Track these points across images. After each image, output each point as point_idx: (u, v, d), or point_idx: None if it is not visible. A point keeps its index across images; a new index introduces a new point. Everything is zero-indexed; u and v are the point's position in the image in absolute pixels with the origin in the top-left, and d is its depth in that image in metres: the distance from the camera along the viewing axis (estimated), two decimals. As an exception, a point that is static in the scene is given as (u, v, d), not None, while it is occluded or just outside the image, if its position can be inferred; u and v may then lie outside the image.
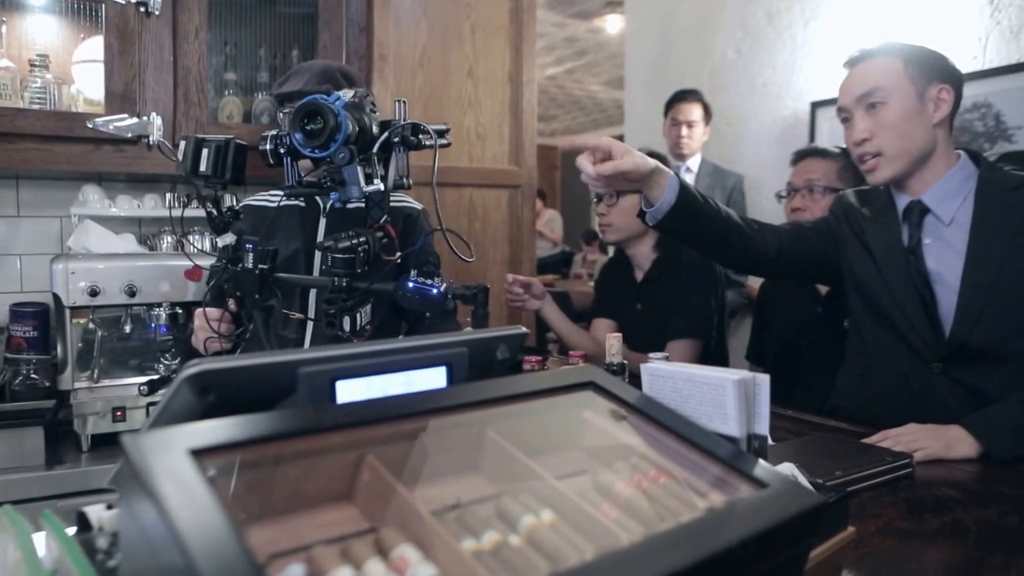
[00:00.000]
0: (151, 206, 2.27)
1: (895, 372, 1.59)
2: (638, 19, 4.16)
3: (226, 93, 2.37)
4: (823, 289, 2.15)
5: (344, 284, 1.33)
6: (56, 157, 1.98)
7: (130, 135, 1.96)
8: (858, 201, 1.74)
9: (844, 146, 2.20)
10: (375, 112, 1.39)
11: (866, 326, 1.68)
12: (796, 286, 2.21)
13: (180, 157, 1.42)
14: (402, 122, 1.38)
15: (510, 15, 2.71)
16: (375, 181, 1.32)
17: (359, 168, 1.31)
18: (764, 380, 0.83)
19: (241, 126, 2.27)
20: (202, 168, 1.38)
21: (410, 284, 1.33)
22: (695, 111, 3.29)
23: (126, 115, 1.99)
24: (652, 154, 2.29)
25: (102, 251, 2.04)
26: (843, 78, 1.63)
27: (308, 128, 1.26)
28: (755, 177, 3.44)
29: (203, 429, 0.51)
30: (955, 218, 1.54)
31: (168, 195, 2.19)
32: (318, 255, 1.75)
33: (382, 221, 1.39)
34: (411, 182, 1.43)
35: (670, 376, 0.87)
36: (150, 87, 2.07)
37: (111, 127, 1.95)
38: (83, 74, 2.19)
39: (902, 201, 1.61)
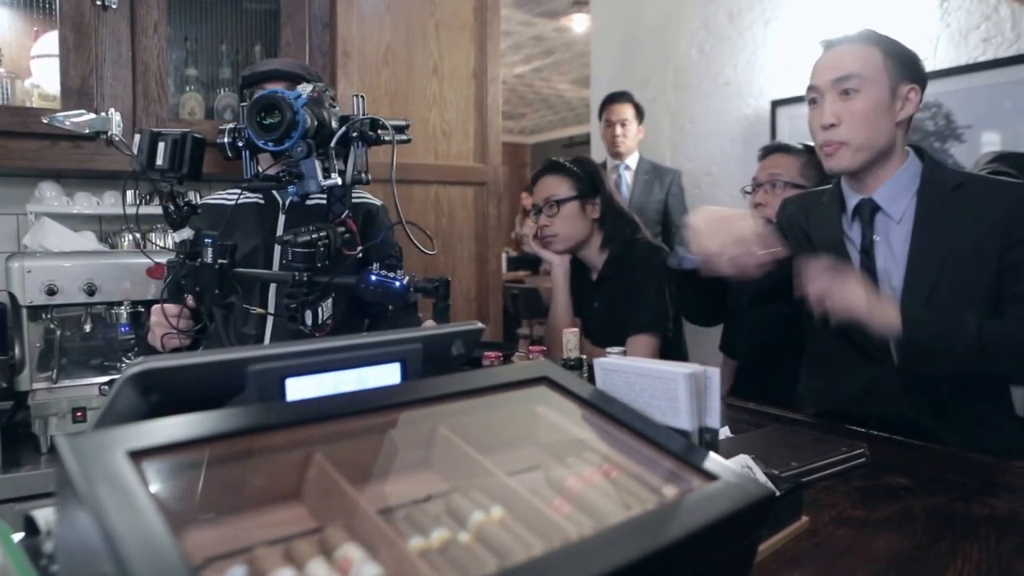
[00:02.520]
0: (111, 203, 2.24)
1: (848, 372, 1.60)
2: (603, 19, 4.17)
3: (187, 89, 2.34)
4: None
5: (305, 278, 1.32)
6: (10, 153, 1.94)
7: (88, 131, 1.93)
8: (800, 208, 1.73)
9: (806, 143, 2.24)
10: (334, 107, 1.39)
11: (818, 329, 1.70)
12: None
13: (135, 151, 1.39)
14: (360, 117, 1.37)
15: (474, 13, 2.70)
16: (333, 175, 1.32)
17: (317, 162, 1.30)
18: (714, 373, 0.83)
19: (203, 122, 2.25)
20: (158, 162, 1.36)
21: (373, 277, 1.33)
22: (626, 111, 3.41)
23: (84, 111, 1.96)
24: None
25: (60, 249, 2.00)
26: (818, 58, 1.57)
27: (266, 122, 1.26)
28: (718, 174, 3.47)
29: (143, 430, 0.50)
30: (904, 216, 1.53)
31: (129, 192, 2.15)
32: (277, 251, 1.75)
33: (343, 216, 1.39)
34: (370, 177, 1.42)
35: (623, 371, 0.87)
36: (108, 82, 2.03)
37: (68, 123, 1.91)
38: (42, 69, 2.14)
39: (852, 199, 1.59)
